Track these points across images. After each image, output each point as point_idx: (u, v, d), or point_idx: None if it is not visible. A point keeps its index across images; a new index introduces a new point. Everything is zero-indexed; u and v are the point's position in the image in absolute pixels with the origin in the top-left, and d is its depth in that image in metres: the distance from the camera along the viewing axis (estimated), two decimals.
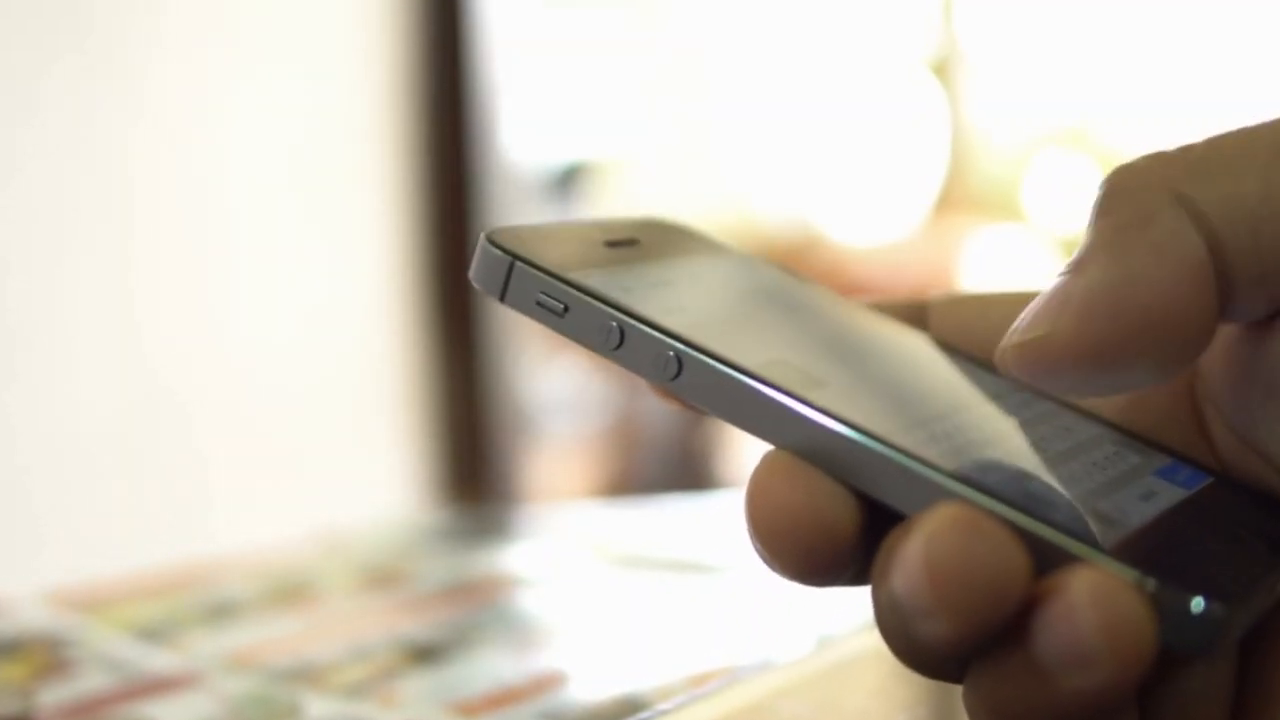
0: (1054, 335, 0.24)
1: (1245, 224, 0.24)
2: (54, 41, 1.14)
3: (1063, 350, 0.24)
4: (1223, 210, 0.24)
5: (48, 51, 1.14)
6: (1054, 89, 2.84)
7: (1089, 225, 0.25)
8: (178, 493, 1.24)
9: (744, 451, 1.98)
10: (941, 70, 2.88)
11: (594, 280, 0.28)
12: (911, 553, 0.23)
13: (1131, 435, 0.29)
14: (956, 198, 2.84)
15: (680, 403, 0.29)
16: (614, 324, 0.27)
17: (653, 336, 0.27)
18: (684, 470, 2.05)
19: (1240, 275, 0.24)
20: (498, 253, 0.28)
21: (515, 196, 1.50)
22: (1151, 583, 0.23)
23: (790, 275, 0.33)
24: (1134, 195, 0.25)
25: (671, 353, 0.27)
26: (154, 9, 1.22)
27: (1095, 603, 0.22)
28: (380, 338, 1.42)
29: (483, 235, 0.28)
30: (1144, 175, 0.25)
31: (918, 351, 0.31)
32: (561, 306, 0.28)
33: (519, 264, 0.28)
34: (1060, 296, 0.25)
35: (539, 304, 0.28)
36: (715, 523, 0.58)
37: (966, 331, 0.31)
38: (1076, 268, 0.25)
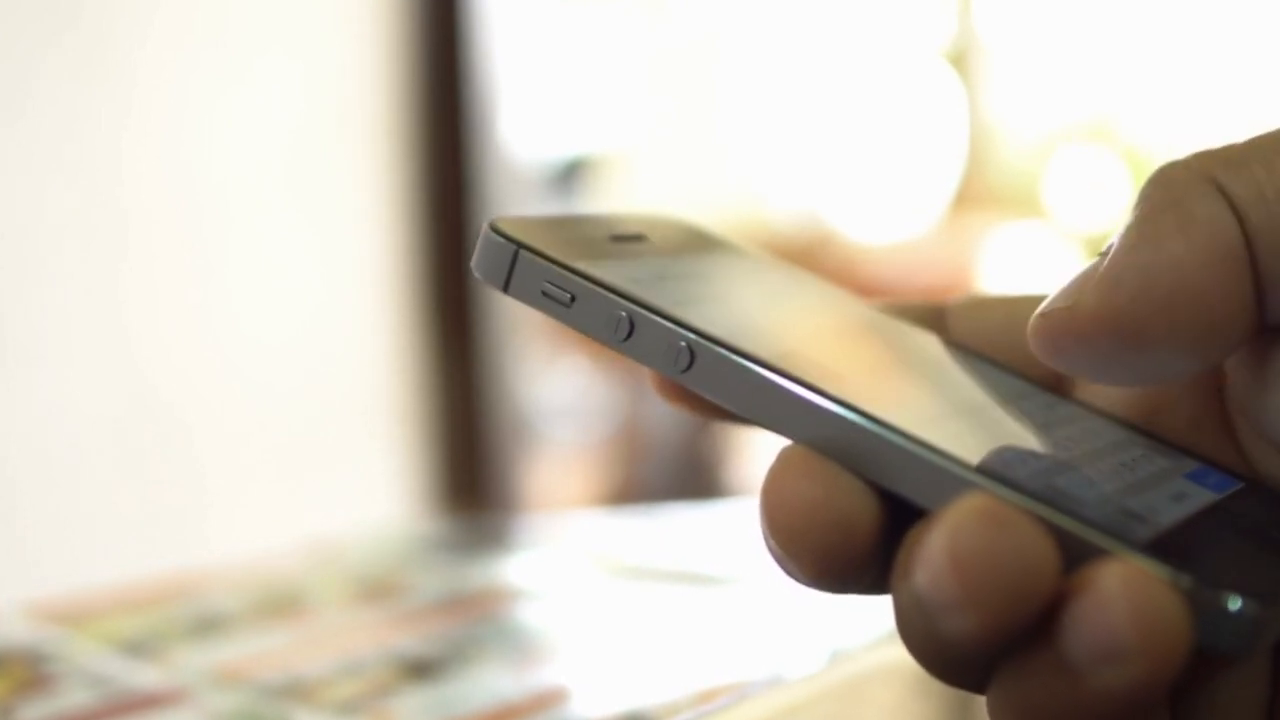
0: (1079, 306, 0.25)
1: (1276, 213, 0.24)
2: (40, 38, 1.14)
3: (1087, 322, 0.25)
4: (1254, 195, 0.24)
5: (34, 48, 1.14)
6: (1076, 81, 2.84)
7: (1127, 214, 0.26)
8: (165, 500, 1.24)
9: (752, 459, 1.98)
10: (959, 61, 2.88)
11: (602, 270, 0.28)
12: (935, 546, 0.23)
13: (1159, 439, 0.29)
14: (975, 194, 2.84)
15: (686, 403, 0.29)
16: (623, 313, 0.27)
17: (664, 326, 0.27)
18: (690, 478, 2.05)
19: (1269, 267, 0.24)
20: (501, 241, 0.28)
21: (516, 192, 1.50)
22: (1186, 580, 0.23)
23: (803, 275, 0.33)
24: (1169, 182, 0.25)
25: (684, 343, 0.27)
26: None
27: (1128, 597, 0.22)
28: (376, 339, 1.42)
29: (486, 224, 0.28)
30: (1184, 167, 0.25)
31: (936, 353, 0.31)
32: (568, 296, 0.27)
33: (524, 252, 0.28)
34: (1086, 271, 0.25)
35: (544, 294, 0.28)
36: (723, 532, 0.58)
37: (988, 336, 0.31)
38: (1106, 249, 0.25)
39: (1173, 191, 0.25)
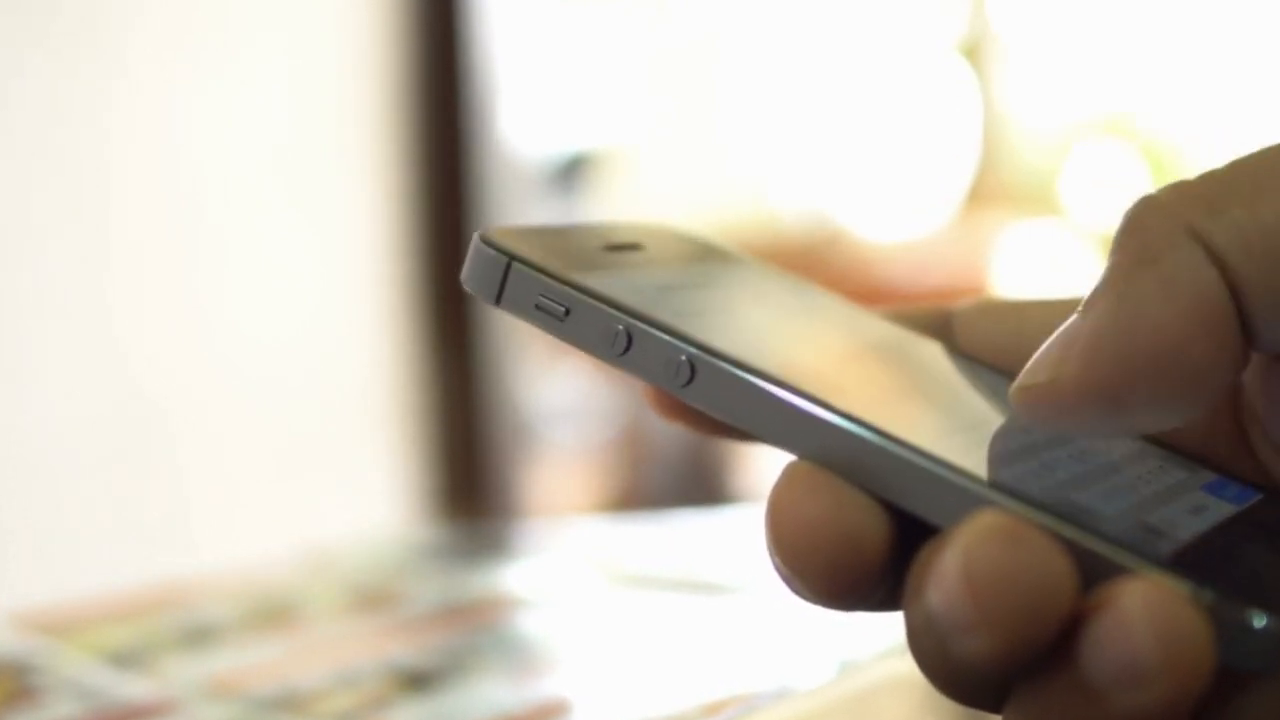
0: (1059, 380, 0.25)
1: (1260, 253, 0.24)
2: (25, 28, 1.14)
3: (1068, 395, 0.25)
4: (1235, 241, 0.24)
5: (18, 38, 1.14)
6: (1093, 73, 2.84)
7: (1105, 263, 0.26)
8: (154, 506, 1.24)
9: (759, 464, 1.98)
10: (973, 53, 2.88)
11: (598, 282, 0.28)
12: (949, 564, 0.23)
13: (1174, 451, 0.29)
14: (989, 191, 2.84)
15: (684, 419, 0.29)
16: (620, 327, 0.27)
17: (663, 340, 0.27)
18: (695, 484, 2.05)
19: (1259, 308, 0.24)
20: (493, 253, 0.28)
21: (515, 189, 1.50)
22: (1208, 596, 0.23)
23: (804, 284, 0.33)
24: (1146, 230, 0.25)
25: (684, 357, 0.26)
26: None
27: (1150, 616, 0.22)
28: (371, 341, 1.42)
29: (476, 235, 0.28)
30: (1161, 209, 0.25)
31: (944, 363, 0.31)
32: (563, 309, 0.27)
33: (516, 264, 0.28)
34: (1066, 339, 0.25)
35: (538, 307, 0.28)
36: (729, 540, 0.58)
37: (997, 343, 0.31)
38: (1085, 308, 0.25)
39: (1149, 243, 0.25)
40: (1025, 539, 0.23)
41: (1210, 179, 0.26)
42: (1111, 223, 0.26)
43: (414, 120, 1.44)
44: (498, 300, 0.28)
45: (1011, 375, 0.31)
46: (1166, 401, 0.25)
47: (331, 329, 1.40)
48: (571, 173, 2.33)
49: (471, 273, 0.28)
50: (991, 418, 0.29)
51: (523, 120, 1.56)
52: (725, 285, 0.32)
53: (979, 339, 0.32)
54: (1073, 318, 0.25)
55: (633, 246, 0.31)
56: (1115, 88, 2.82)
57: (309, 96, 1.36)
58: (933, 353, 0.31)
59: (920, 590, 0.24)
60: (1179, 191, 0.26)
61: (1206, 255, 0.24)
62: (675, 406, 0.29)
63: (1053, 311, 0.31)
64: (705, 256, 0.33)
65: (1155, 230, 0.25)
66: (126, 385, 1.22)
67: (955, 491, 0.24)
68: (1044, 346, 0.25)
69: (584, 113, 2.39)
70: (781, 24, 2.67)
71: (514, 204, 1.48)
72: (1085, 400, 0.25)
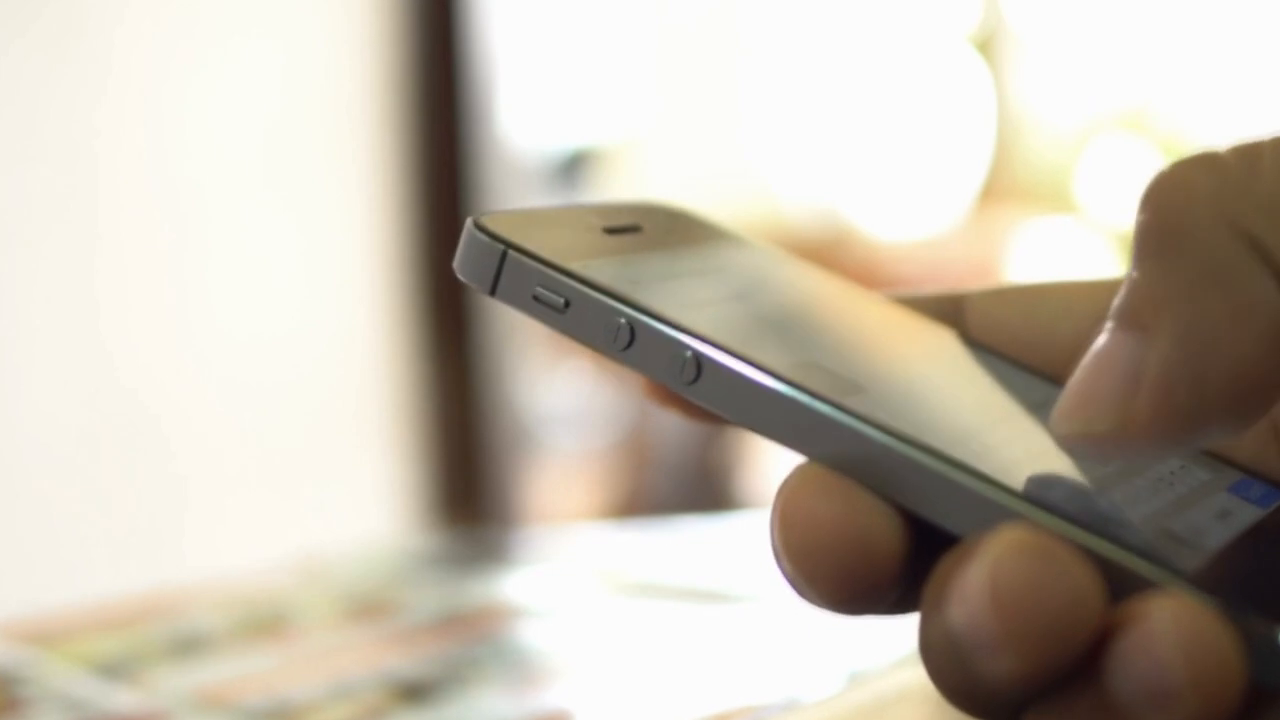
0: (1131, 421, 0.24)
1: None
2: (11, 22, 1.14)
3: (1140, 435, 0.24)
4: None
5: (4, 33, 1.14)
6: (1110, 66, 2.84)
7: (1143, 262, 0.24)
8: (143, 513, 1.24)
9: (766, 468, 1.98)
10: (986, 47, 2.88)
11: (598, 271, 0.27)
12: (974, 581, 0.23)
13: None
14: (1003, 187, 2.84)
15: (685, 410, 0.29)
16: (623, 321, 0.26)
17: (668, 335, 0.26)
18: (701, 489, 2.05)
19: None
20: (487, 240, 0.27)
21: (514, 185, 1.50)
22: (1238, 611, 0.23)
23: (808, 267, 0.33)
24: (1201, 239, 0.24)
25: (689, 353, 0.26)
26: None
27: (1177, 632, 0.22)
28: (366, 342, 1.42)
29: (469, 221, 0.28)
30: (1207, 203, 0.24)
31: (958, 356, 0.31)
32: (562, 301, 0.27)
33: (512, 253, 0.27)
34: (1128, 372, 0.24)
35: (536, 298, 0.27)
36: (736, 547, 0.58)
37: (1010, 331, 0.31)
38: (1141, 326, 0.24)
39: (1209, 257, 0.24)
40: (1054, 556, 0.23)
41: (1248, 160, 0.25)
42: (1131, 210, 0.25)
43: (411, 115, 1.44)
44: (493, 291, 0.27)
45: (1025, 364, 0.31)
46: (1240, 424, 0.24)
47: (327, 331, 1.40)
48: (573, 168, 2.33)
49: (464, 261, 0.28)
50: (1008, 413, 0.28)
51: (523, 115, 1.56)
52: (729, 269, 0.31)
53: (992, 325, 0.31)
54: (1112, 337, 0.24)
55: (632, 228, 0.31)
56: (1131, 82, 2.82)
57: (303, 92, 1.36)
58: (946, 342, 0.31)
59: (940, 604, 0.24)
60: (1211, 171, 0.25)
61: (1270, 271, 0.24)
62: (673, 396, 0.28)
63: (1068, 295, 0.31)
64: (707, 238, 0.32)
65: (1210, 238, 0.24)
66: (116, 389, 1.22)
67: (976, 500, 0.24)
68: (1094, 374, 0.24)
69: (586, 107, 2.39)
70: (790, 16, 2.67)
71: (514, 201, 1.48)
72: (1159, 438, 0.24)
